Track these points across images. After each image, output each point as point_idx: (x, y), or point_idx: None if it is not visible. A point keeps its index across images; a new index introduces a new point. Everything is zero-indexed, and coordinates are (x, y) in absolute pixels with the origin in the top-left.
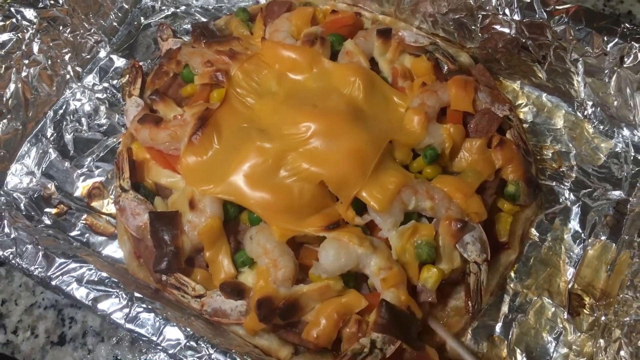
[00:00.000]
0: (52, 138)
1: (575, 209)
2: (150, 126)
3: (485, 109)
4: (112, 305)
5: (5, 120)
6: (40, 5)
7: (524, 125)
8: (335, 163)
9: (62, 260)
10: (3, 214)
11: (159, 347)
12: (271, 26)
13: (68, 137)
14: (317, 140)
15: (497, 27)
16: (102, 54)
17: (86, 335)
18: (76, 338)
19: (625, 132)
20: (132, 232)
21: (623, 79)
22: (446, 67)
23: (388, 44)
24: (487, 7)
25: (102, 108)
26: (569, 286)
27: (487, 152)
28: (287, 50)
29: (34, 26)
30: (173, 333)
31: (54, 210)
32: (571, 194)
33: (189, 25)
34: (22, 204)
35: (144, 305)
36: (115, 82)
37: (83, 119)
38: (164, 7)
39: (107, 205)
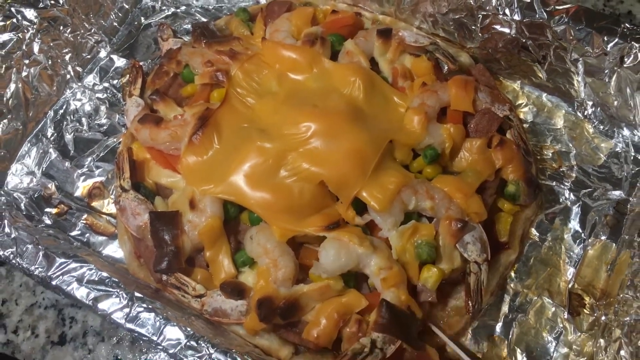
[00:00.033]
0: (52, 138)
1: (576, 209)
2: (150, 126)
3: (485, 108)
4: (113, 305)
5: (5, 120)
6: (41, 5)
7: (524, 125)
8: (336, 163)
9: (63, 260)
10: (3, 213)
11: (160, 347)
12: (271, 26)
13: (68, 137)
14: (317, 140)
15: (497, 27)
16: (103, 53)
17: (86, 335)
18: (76, 338)
19: (626, 132)
20: (133, 232)
21: (623, 79)
22: (446, 67)
23: (388, 44)
24: (487, 7)
25: (103, 108)
26: (569, 286)
27: (487, 152)
28: (287, 50)
29: (35, 26)
30: (173, 333)
31: (54, 210)
32: (571, 193)
33: (189, 25)
34: (22, 204)
35: (144, 305)
36: (115, 82)
37: (83, 119)
38: (164, 7)
39: (108, 205)
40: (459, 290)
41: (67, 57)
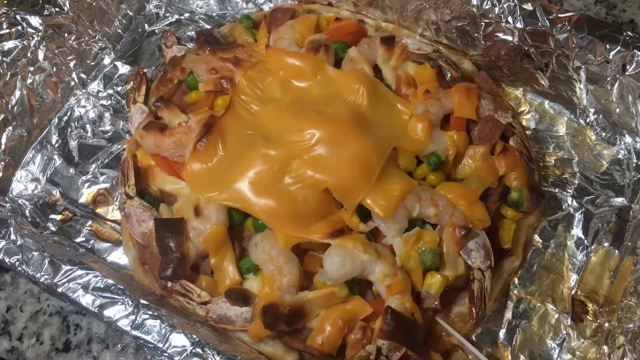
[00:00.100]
0: (57, 145)
1: (578, 216)
2: (155, 133)
3: (488, 116)
4: (118, 312)
5: (10, 127)
6: (46, 12)
7: (527, 132)
8: (340, 170)
9: (68, 267)
10: (9, 220)
11: (165, 354)
12: (275, 33)
13: (73, 143)
14: (321, 147)
15: (500, 34)
16: (107, 60)
17: (91, 342)
18: (81, 345)
19: (628, 139)
20: (138, 238)
21: (625, 87)
22: (449, 75)
23: (391, 52)
24: (490, 15)
25: (107, 115)
26: (572, 292)
27: (491, 159)
28: (291, 57)
29: (39, 33)
30: (179, 340)
31: (59, 217)
32: (574, 200)
33: (193, 32)
34: (27, 211)
35: (149, 312)
36: (119, 88)
37: (88, 126)
38: (168, 14)
39: (112, 212)
40: (463, 296)
41: (72, 64)
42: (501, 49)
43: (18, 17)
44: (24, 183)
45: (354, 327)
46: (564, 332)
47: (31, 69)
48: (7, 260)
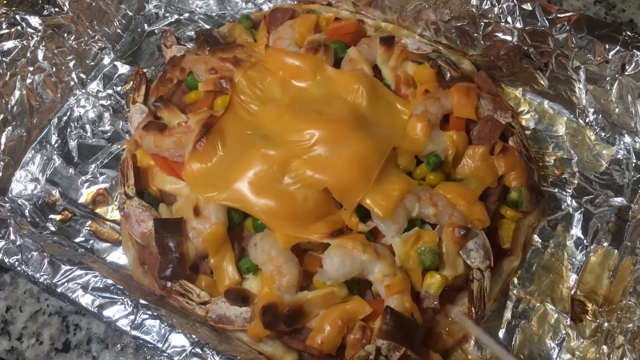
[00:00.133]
0: (56, 145)
1: (578, 216)
2: (154, 133)
3: (487, 116)
4: (118, 312)
5: (10, 127)
6: (45, 12)
7: (526, 132)
8: (339, 170)
9: (68, 267)
10: (8, 220)
11: (165, 354)
12: (275, 33)
13: (72, 143)
14: (321, 147)
15: (500, 34)
16: (106, 60)
17: (91, 342)
18: (80, 345)
19: (627, 139)
20: (137, 238)
21: (624, 87)
22: (449, 75)
23: (391, 52)
24: (490, 15)
25: (106, 115)
26: (572, 292)
27: (490, 159)
28: (290, 57)
29: (39, 33)
30: (178, 340)
31: (58, 217)
32: (573, 200)
33: (193, 32)
34: (26, 211)
35: (149, 312)
36: (119, 88)
37: (87, 126)
38: (167, 14)
39: (112, 212)
40: (462, 296)
41: (71, 64)
42: (500, 49)
43: (17, 17)
44: (24, 183)
45: (354, 327)
46: (564, 332)
47: (31, 69)
48: (6, 260)
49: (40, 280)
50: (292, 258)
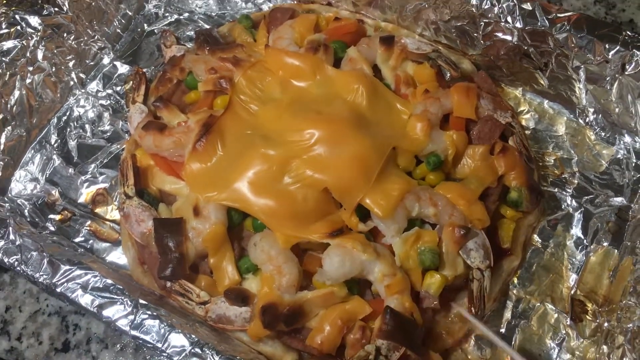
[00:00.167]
0: (56, 144)
1: (578, 216)
2: (154, 133)
3: (487, 115)
4: (117, 312)
5: (9, 127)
6: (45, 12)
7: (526, 132)
8: (339, 170)
9: (67, 267)
10: (8, 220)
11: (164, 354)
12: (274, 33)
13: (72, 143)
14: (320, 147)
15: (499, 34)
16: (106, 60)
17: (90, 342)
18: (80, 345)
19: (627, 138)
20: (137, 238)
21: (624, 86)
22: (449, 74)
23: (391, 51)
24: (490, 15)
25: (106, 114)
26: (572, 292)
27: (490, 158)
28: (290, 57)
29: (39, 33)
30: (178, 340)
31: (58, 217)
32: (573, 200)
33: (193, 32)
34: (26, 211)
35: (148, 312)
36: (119, 88)
37: (87, 126)
38: (167, 14)
39: (111, 212)
40: (462, 296)
41: (71, 64)
42: (500, 48)
43: (17, 16)
44: (23, 183)
45: (353, 326)
46: (564, 331)
47: (30, 68)
48: (6, 260)
49: (39, 280)
50: (292, 258)
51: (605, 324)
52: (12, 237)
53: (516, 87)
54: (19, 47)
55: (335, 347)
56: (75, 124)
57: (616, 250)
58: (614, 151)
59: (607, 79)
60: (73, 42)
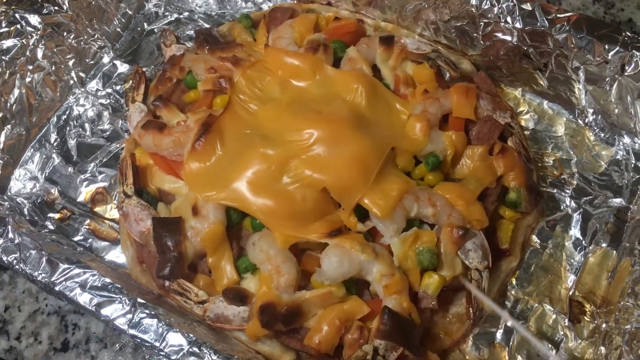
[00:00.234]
0: (55, 143)
1: (576, 216)
2: (153, 132)
3: (486, 116)
4: (116, 311)
5: (9, 126)
6: (45, 11)
7: (525, 132)
8: (338, 170)
9: (66, 265)
10: (7, 219)
11: (162, 353)
12: (274, 33)
13: (71, 142)
14: (319, 146)
15: (499, 34)
16: (106, 59)
17: (89, 341)
18: (79, 344)
19: (626, 139)
20: (136, 237)
21: (624, 87)
22: (448, 75)
23: (390, 51)
24: (489, 15)
25: (106, 113)
26: (570, 293)
27: (489, 159)
28: (290, 57)
29: (38, 32)
30: (176, 339)
31: (57, 216)
32: (572, 201)
33: (192, 32)
34: (25, 209)
35: (147, 311)
36: (118, 87)
37: (86, 125)
38: (167, 13)
39: (110, 211)
40: (460, 297)
41: (71, 63)
42: (500, 49)
43: (17, 15)
44: (23, 181)
45: (351, 326)
46: (562, 332)
47: (30, 67)
48: (4, 258)
49: (38, 279)
50: (291, 257)
51: (603, 325)
52: (11, 235)
53: (516, 88)
54: (19, 45)
55: (333, 347)
56: (75, 122)
57: (615, 251)
58: (613, 152)
59: (607, 79)
60: (73, 41)
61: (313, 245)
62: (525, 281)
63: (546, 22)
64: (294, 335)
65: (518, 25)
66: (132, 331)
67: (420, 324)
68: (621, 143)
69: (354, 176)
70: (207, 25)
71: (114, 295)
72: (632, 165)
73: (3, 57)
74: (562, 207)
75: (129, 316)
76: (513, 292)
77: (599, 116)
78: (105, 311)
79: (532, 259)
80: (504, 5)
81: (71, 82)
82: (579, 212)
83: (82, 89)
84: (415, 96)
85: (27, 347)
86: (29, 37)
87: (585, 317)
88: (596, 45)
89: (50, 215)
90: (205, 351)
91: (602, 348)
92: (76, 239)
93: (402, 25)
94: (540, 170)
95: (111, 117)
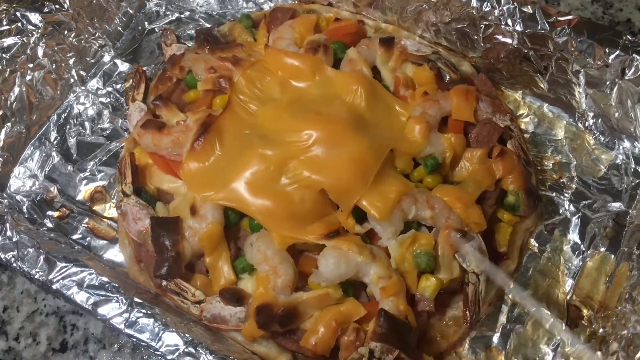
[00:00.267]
0: (55, 142)
1: (575, 220)
2: (153, 131)
3: (486, 119)
4: (112, 310)
5: (9, 124)
6: (46, 9)
7: (525, 135)
8: (336, 171)
9: (63, 264)
10: (6, 217)
11: (158, 353)
12: (275, 33)
13: (71, 140)
14: (318, 148)
15: (500, 37)
16: (106, 58)
17: (88, 342)
18: (78, 345)
19: (626, 143)
20: (134, 236)
21: (624, 91)
22: (448, 77)
23: (390, 53)
24: (490, 17)
25: (106, 112)
26: (568, 297)
27: (488, 162)
28: (290, 57)
29: (39, 30)
30: (172, 339)
31: (56, 214)
32: (571, 205)
33: (193, 31)
34: (24, 207)
35: (143, 311)
36: (119, 86)
37: (86, 123)
38: (168, 13)
39: (109, 209)
40: (458, 300)
41: (71, 61)
42: (500, 51)
43: (18, 13)
44: (22, 179)
45: (348, 328)
46: (559, 337)
47: (30, 65)
48: (2, 256)
49: (35, 277)
50: (288, 258)
51: (601, 330)
52: (9, 233)
53: (516, 90)
54: (20, 44)
55: (329, 349)
56: (75, 121)
57: (613, 256)
58: (612, 156)
59: (607, 83)
60: (74, 40)
61: (311, 247)
62: (522, 285)
63: (547, 25)
64: (290, 337)
65: (519, 27)
66: (128, 330)
67: (417, 326)
68: (621, 147)
69: (352, 178)
70: (208, 25)
71: (110, 295)
72: (632, 170)
73: (4, 55)
74: (560, 211)
75: (126, 315)
76: (510, 296)
77: (599, 120)
78: (102, 310)
79: (530, 262)
80: (504, 8)
81: (72, 80)
82: (577, 216)
83: (83, 88)
84: (415, 98)
85: (26, 347)
86: (30, 35)
87: (583, 322)
88: (597, 48)
89: (49, 213)
90: (201, 351)
91: (599, 353)
92: (75, 237)
93: (403, 27)
94: (540, 174)
95: (111, 115)
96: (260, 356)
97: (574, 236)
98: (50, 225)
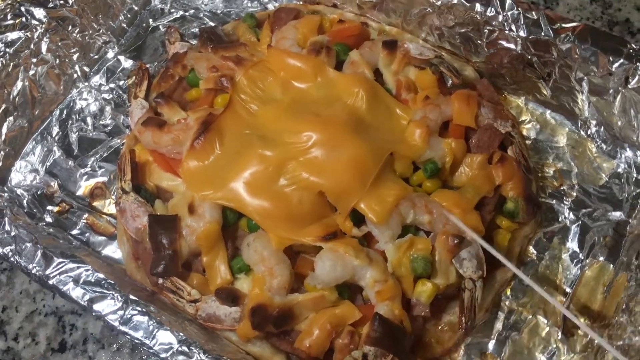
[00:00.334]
0: (57, 137)
1: (575, 229)
2: (153, 129)
3: (487, 124)
4: (108, 307)
5: (11, 118)
6: (50, 5)
7: (527, 141)
8: (335, 173)
9: (61, 259)
10: (5, 211)
11: (151, 351)
12: (278, 33)
13: (73, 136)
14: (318, 149)
15: (503, 42)
16: (110, 54)
17: (87, 342)
18: (77, 345)
19: (628, 152)
20: (132, 234)
21: (627, 100)
22: (450, 81)
23: (393, 56)
24: (494, 23)
25: (108, 108)
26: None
27: (488, 168)
28: (292, 58)
29: (43, 25)
30: (166, 337)
31: (55, 209)
32: (571, 213)
33: (197, 29)
34: (24, 201)
35: (138, 308)
36: (121, 83)
37: (88, 119)
38: (173, 10)
39: (109, 206)
40: (454, 305)
41: (75, 57)
42: (504, 57)
43: (22, 8)
44: (23, 173)
45: (342, 331)
46: (554, 345)
47: (34, 60)
48: (0, 250)
49: (32, 272)
50: (284, 260)
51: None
52: (7, 227)
53: (519, 96)
54: (24, 38)
55: (323, 351)
56: (77, 116)
57: (612, 265)
58: (614, 165)
59: (610, 91)
60: (78, 35)
61: (308, 248)
62: (519, 292)
63: (551, 31)
64: (285, 338)
65: (522, 33)
66: (122, 328)
67: (412, 331)
68: (623, 156)
69: (351, 180)
70: (212, 24)
71: (106, 291)
72: (633, 179)
73: (7, 50)
74: (560, 219)
75: (121, 312)
76: (507, 303)
77: (602, 128)
78: (98, 307)
79: (528, 270)
80: (508, 13)
81: (75, 76)
82: (577, 224)
83: (86, 83)
84: (416, 102)
85: (25, 347)
86: (34, 30)
87: (579, 331)
88: (600, 56)
89: (49, 208)
90: (194, 350)
91: None
92: (74, 232)
93: (407, 30)
94: (540, 181)
95: (113, 112)
96: (254, 356)
97: (573, 244)
98: (49, 219)
